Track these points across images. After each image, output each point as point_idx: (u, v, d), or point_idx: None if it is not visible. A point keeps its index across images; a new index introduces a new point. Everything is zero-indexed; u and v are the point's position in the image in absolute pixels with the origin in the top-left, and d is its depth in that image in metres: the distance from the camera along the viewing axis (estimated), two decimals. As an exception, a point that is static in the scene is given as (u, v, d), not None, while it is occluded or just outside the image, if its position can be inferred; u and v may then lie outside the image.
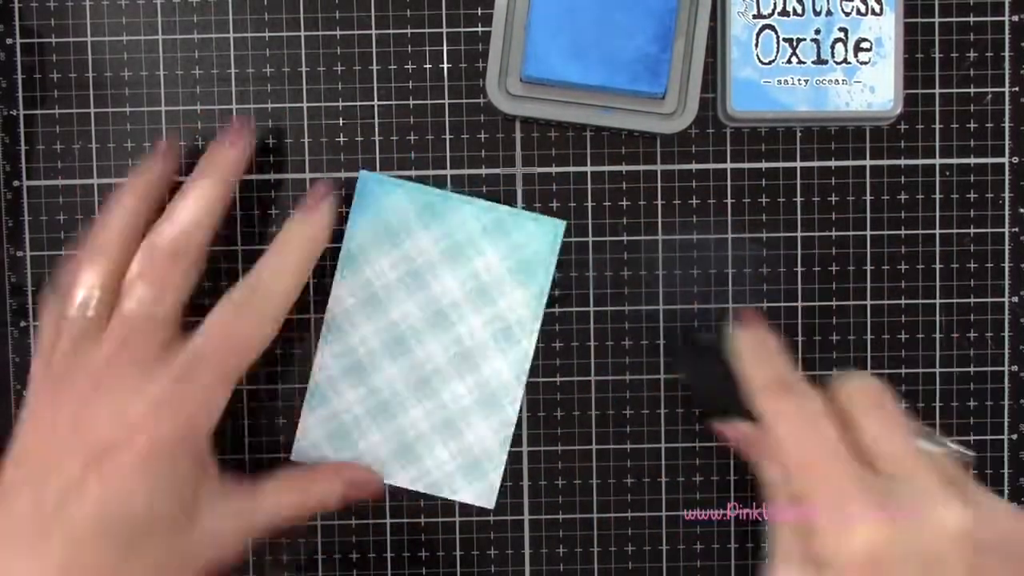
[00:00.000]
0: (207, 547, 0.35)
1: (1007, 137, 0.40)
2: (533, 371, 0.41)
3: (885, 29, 0.39)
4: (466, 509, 0.41)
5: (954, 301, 0.41)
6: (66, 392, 0.34)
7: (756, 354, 0.35)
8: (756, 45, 0.39)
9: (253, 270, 0.36)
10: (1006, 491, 0.41)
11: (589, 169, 0.40)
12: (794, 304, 0.41)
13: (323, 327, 0.40)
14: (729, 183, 0.40)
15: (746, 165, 0.40)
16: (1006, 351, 0.41)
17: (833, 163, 0.40)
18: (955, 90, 0.40)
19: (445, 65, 0.40)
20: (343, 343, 0.40)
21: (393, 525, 0.41)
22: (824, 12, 0.39)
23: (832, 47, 0.39)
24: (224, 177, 0.36)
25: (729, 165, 0.40)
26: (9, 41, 0.40)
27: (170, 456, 0.34)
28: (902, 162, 0.40)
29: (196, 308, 0.36)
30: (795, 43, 0.39)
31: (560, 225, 0.40)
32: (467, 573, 0.41)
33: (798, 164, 0.40)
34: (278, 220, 0.40)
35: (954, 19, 0.40)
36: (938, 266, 0.41)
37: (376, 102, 0.40)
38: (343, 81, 0.40)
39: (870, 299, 0.41)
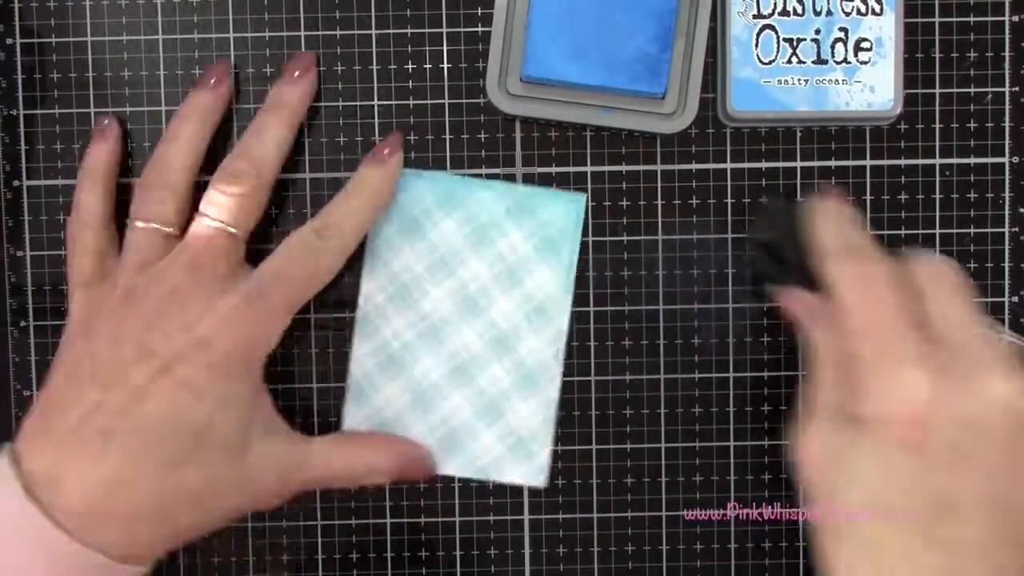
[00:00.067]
0: (248, 483, 0.36)
1: (1007, 137, 0.40)
2: (533, 371, 0.41)
3: (885, 29, 0.39)
4: (466, 509, 0.41)
5: (954, 301, 0.41)
6: (137, 306, 0.35)
7: (832, 221, 0.35)
8: (756, 45, 0.39)
9: (326, 208, 0.37)
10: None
11: (589, 169, 0.40)
12: (794, 304, 0.41)
13: (355, 325, 0.40)
14: (729, 183, 0.40)
15: (746, 165, 0.40)
16: (1006, 351, 0.41)
17: (833, 163, 0.40)
18: (955, 90, 0.40)
19: (445, 65, 0.40)
20: (377, 339, 0.40)
21: (393, 525, 0.41)
22: (824, 12, 0.39)
23: (832, 47, 0.39)
24: (294, 116, 0.38)
25: (729, 165, 0.40)
26: (9, 41, 0.40)
27: (230, 375, 0.35)
28: (902, 162, 0.40)
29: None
30: (795, 43, 0.39)
31: (582, 199, 0.40)
32: (467, 573, 0.41)
33: (798, 164, 0.40)
34: (278, 220, 0.40)
35: (954, 19, 0.40)
36: (938, 266, 0.41)
37: (376, 102, 0.40)
38: (343, 81, 0.40)
39: (870, 299, 0.41)
